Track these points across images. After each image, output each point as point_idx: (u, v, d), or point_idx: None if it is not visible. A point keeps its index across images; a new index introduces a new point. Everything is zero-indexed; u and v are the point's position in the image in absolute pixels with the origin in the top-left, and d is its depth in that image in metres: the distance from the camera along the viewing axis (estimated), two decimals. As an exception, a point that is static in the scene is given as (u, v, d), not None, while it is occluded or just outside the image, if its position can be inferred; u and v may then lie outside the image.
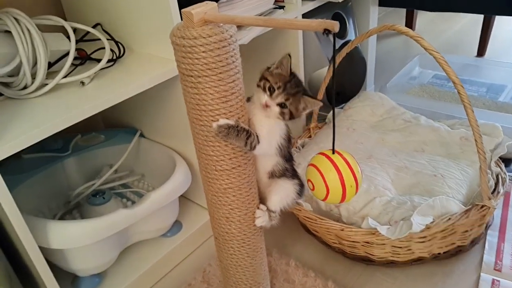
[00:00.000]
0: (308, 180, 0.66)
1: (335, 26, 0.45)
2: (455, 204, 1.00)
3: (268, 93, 0.65)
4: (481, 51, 2.05)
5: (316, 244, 1.13)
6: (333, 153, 0.64)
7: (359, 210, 1.05)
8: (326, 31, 0.45)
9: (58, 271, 0.90)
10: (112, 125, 1.33)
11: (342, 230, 1.00)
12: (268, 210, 0.76)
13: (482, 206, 0.98)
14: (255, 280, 0.81)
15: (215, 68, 0.58)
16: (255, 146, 0.66)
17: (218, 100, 0.62)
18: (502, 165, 1.14)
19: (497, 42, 2.14)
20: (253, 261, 0.79)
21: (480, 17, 2.03)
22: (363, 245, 1.02)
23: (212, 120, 0.63)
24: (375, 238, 0.97)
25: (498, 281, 0.98)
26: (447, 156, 1.18)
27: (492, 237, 1.11)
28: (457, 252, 1.05)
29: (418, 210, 0.95)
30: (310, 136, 1.36)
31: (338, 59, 1.18)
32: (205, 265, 1.09)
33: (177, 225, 1.15)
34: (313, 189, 0.66)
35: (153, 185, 1.24)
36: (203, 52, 0.57)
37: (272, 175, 0.76)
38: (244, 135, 0.64)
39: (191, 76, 0.60)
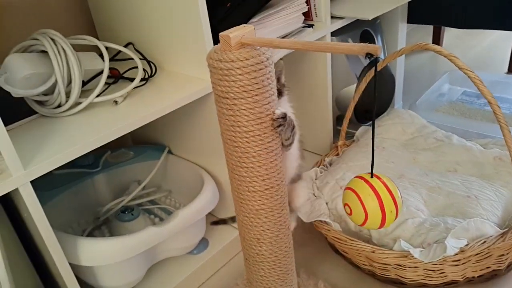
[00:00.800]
0: (346, 205, 0.65)
1: (378, 50, 0.44)
2: (490, 227, 0.96)
3: None
4: (511, 68, 2.00)
5: (345, 265, 1.11)
6: (372, 176, 0.62)
7: (391, 231, 1.03)
8: (368, 55, 0.44)
9: (86, 287, 0.90)
10: (140, 141, 1.35)
11: (373, 252, 0.97)
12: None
13: (519, 230, 0.95)
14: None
15: (251, 90, 0.58)
16: (293, 141, 0.67)
17: (253, 121, 0.62)
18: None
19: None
20: (283, 283, 0.78)
21: (510, 33, 1.99)
22: (394, 268, 1.00)
23: (246, 142, 0.63)
24: (408, 261, 0.94)
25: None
26: (480, 176, 1.15)
27: (529, 261, 1.06)
28: (492, 276, 1.01)
29: (452, 233, 0.92)
30: (337, 154, 1.34)
31: (368, 78, 1.17)
32: (232, 284, 1.08)
33: (203, 243, 1.14)
34: (350, 214, 0.64)
35: (180, 201, 1.24)
36: (240, 74, 0.57)
37: (293, 181, 0.77)
38: (292, 126, 0.66)
39: (227, 98, 0.60)
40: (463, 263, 0.95)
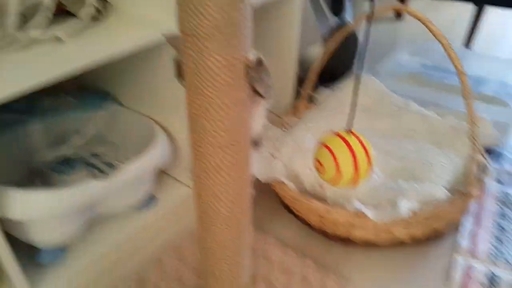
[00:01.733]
0: (317, 160, 0.62)
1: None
2: (440, 191, 1.00)
3: None
4: (468, 43, 2.04)
5: (297, 224, 1.11)
6: (348, 133, 0.59)
7: (345, 192, 1.03)
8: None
9: (17, 242, 0.82)
10: (83, 87, 1.22)
11: (327, 211, 0.97)
12: None
13: (465, 194, 0.99)
14: (236, 260, 0.77)
15: (224, 29, 0.52)
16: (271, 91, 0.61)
17: (223, 67, 0.55)
18: (487, 157, 1.14)
19: (485, 35, 2.14)
20: (238, 241, 0.74)
21: (470, 8, 2.01)
22: (345, 226, 1.00)
23: (213, 90, 0.57)
24: (360, 220, 0.95)
25: (473, 266, 1.00)
26: (435, 144, 1.17)
27: (468, 222, 1.12)
28: (436, 236, 1.05)
29: (404, 195, 0.94)
30: (297, 116, 1.31)
31: (337, 38, 1.13)
32: (179, 241, 1.04)
33: (151, 200, 1.08)
34: (322, 171, 0.61)
35: (127, 156, 1.14)
36: (213, 10, 0.50)
37: (255, 143, 0.73)
38: (269, 75, 0.59)
39: (195, 36, 0.52)
40: (411, 224, 0.98)
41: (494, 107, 1.32)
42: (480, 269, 0.99)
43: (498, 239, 1.07)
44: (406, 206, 0.92)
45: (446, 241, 1.06)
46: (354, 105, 0.57)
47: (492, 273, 0.98)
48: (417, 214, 0.94)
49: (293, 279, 0.93)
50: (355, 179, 0.59)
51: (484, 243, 1.06)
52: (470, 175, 0.99)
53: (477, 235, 1.08)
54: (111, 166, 1.12)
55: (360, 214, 0.95)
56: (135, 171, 0.92)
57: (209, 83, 0.56)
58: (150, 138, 1.01)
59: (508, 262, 1.01)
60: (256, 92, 0.60)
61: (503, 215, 1.15)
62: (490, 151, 1.35)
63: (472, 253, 1.03)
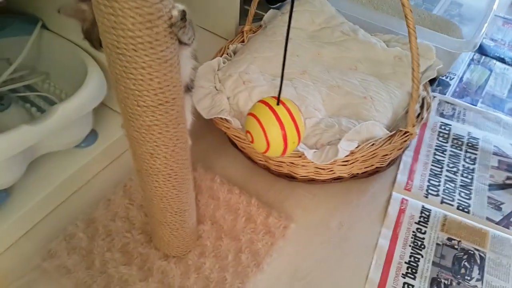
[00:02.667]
0: (248, 132, 0.60)
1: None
2: (380, 129, 1.01)
3: None
4: None
5: (242, 160, 1.12)
6: (278, 103, 0.57)
7: (288, 130, 1.03)
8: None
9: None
10: (8, 11, 1.10)
11: (270, 151, 0.98)
12: None
13: (405, 133, 1.01)
14: (180, 208, 0.78)
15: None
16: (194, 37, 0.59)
17: (140, 25, 0.50)
18: (429, 89, 1.15)
19: None
20: (179, 192, 0.75)
21: None
22: (288, 165, 1.03)
23: (133, 49, 0.52)
24: (301, 161, 0.97)
25: (407, 200, 1.06)
26: (378, 76, 1.16)
27: (407, 157, 1.17)
28: (374, 172, 1.10)
29: (345, 136, 0.95)
30: (243, 41, 1.25)
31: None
32: (125, 180, 1.03)
33: (92, 135, 1.04)
34: (252, 142, 0.60)
35: (61, 87, 1.08)
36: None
37: (188, 89, 0.70)
38: (191, 24, 0.57)
39: (108, -3, 0.46)
40: (351, 163, 1.01)
41: (441, 33, 1.30)
42: (413, 204, 1.06)
43: (434, 174, 1.13)
44: (345, 148, 0.94)
45: (385, 177, 1.11)
46: (282, 76, 0.54)
47: (423, 207, 1.05)
48: (355, 154, 0.96)
49: (239, 218, 0.96)
50: (284, 151, 0.59)
51: (420, 179, 1.12)
52: (411, 112, 1.01)
53: (415, 171, 1.14)
54: (47, 100, 1.05)
55: (301, 155, 0.96)
56: (70, 112, 0.88)
57: (129, 44, 0.51)
58: (82, 68, 0.94)
59: (439, 195, 1.08)
60: (180, 42, 0.57)
61: (442, 149, 1.20)
62: (434, 81, 1.37)
63: (408, 188, 1.09)
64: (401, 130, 1.01)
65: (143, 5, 0.48)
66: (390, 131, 1.02)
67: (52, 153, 0.98)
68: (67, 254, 0.89)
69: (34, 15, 1.05)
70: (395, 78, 1.16)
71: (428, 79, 1.16)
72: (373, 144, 0.98)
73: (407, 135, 1.02)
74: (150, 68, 0.54)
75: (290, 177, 1.07)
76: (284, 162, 1.01)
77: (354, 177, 1.08)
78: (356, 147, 0.96)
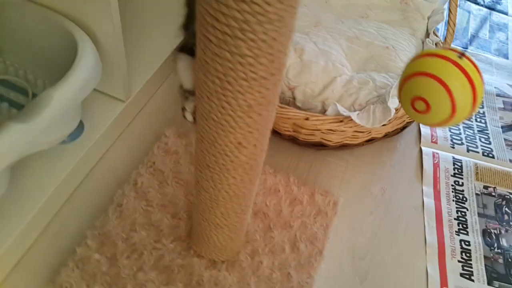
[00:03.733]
0: (416, 99, 0.46)
1: None
2: (412, 82, 0.93)
3: None
4: None
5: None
6: (461, 57, 0.43)
7: (318, 93, 0.90)
8: None
9: None
10: None
11: (307, 119, 0.84)
12: None
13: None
14: (248, 205, 0.63)
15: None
16: None
17: None
18: (438, 35, 1.09)
19: None
20: (253, 186, 0.59)
21: None
22: (323, 132, 0.90)
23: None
24: (344, 126, 0.85)
25: (437, 153, 1.01)
26: (391, 23, 1.07)
27: (423, 108, 1.11)
28: (403, 128, 1.02)
29: (391, 93, 0.85)
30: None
31: None
32: (133, 175, 0.83)
33: (78, 127, 0.81)
34: (426, 111, 0.46)
35: (22, 65, 0.82)
36: None
37: None
38: None
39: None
40: (390, 122, 0.92)
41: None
42: (444, 156, 1.01)
43: (451, 122, 1.09)
44: (393, 106, 0.84)
45: (409, 131, 1.04)
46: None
47: (453, 158, 1.01)
48: (397, 111, 0.87)
49: (282, 201, 0.83)
50: (469, 114, 0.46)
51: (442, 129, 1.07)
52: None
53: (434, 121, 1.09)
54: (10, 86, 0.79)
55: (343, 119, 0.85)
56: (68, 100, 0.65)
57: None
58: (70, 46, 0.71)
59: (463, 143, 1.04)
60: None
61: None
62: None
63: (435, 141, 1.04)
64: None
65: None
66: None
67: (32, 155, 0.74)
68: (87, 287, 0.69)
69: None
70: (407, 24, 1.07)
71: (438, 24, 1.09)
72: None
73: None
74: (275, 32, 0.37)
75: (320, 145, 0.95)
76: (319, 130, 0.89)
77: (386, 136, 0.99)
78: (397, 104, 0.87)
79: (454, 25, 0.89)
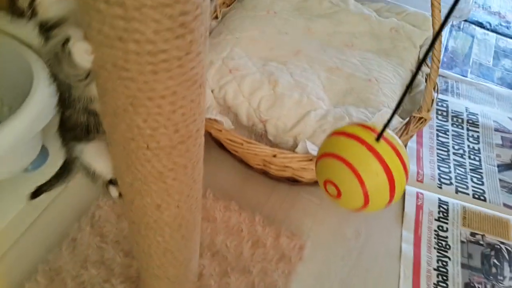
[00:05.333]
0: (328, 182, 0.42)
1: None
2: (394, 118, 0.87)
3: None
4: None
5: (232, 163, 0.93)
6: (378, 139, 0.39)
7: (291, 127, 0.85)
8: None
9: None
10: None
11: (275, 156, 0.80)
12: None
13: (420, 119, 0.88)
14: (187, 258, 0.59)
15: None
16: None
17: (168, 33, 0.29)
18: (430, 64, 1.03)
19: None
20: (187, 241, 0.55)
21: None
22: (294, 169, 0.86)
23: (151, 71, 0.31)
24: (313, 165, 0.81)
25: (422, 194, 0.95)
26: (378, 52, 1.01)
27: (411, 142, 1.05)
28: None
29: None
30: (216, 17, 1.02)
31: None
32: (91, 207, 0.80)
33: (41, 153, 0.79)
34: (338, 196, 0.42)
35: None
36: None
37: None
38: None
39: None
40: (367, 161, 0.87)
41: None
42: (429, 197, 0.95)
43: (442, 159, 1.03)
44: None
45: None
46: (395, 109, 0.36)
47: (439, 200, 0.95)
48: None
49: (244, 242, 0.78)
50: (389, 202, 0.41)
51: (430, 166, 1.01)
52: (427, 96, 0.88)
53: (422, 157, 1.03)
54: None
55: (313, 158, 0.80)
56: (19, 135, 0.63)
57: (145, 64, 0.30)
58: (28, 74, 0.68)
59: (452, 183, 0.98)
60: None
61: (444, 130, 1.10)
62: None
63: (420, 180, 0.98)
64: (415, 117, 0.88)
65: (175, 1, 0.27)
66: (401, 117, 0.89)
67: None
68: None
69: None
70: (395, 53, 1.02)
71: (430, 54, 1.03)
72: (391, 137, 0.84)
73: (422, 122, 0.89)
74: (174, 95, 0.33)
75: (293, 181, 0.91)
76: (290, 167, 0.84)
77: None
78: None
79: (439, 61, 0.83)
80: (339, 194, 0.43)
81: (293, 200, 0.90)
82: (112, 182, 0.50)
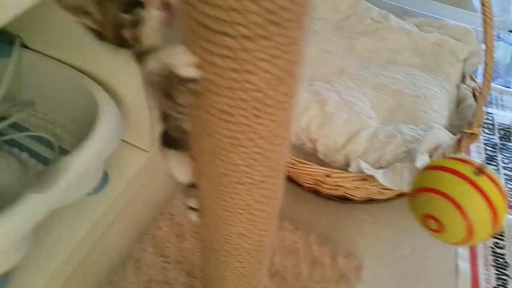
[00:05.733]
0: (428, 217, 0.43)
1: None
2: (445, 134, 0.88)
3: None
4: None
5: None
6: (479, 173, 0.40)
7: (341, 146, 0.87)
8: None
9: None
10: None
11: (328, 175, 0.81)
12: None
13: (471, 134, 0.88)
14: (259, 280, 0.61)
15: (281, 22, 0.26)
16: None
17: (276, 81, 0.31)
18: (476, 79, 1.03)
19: None
20: (262, 266, 0.57)
21: None
22: (347, 188, 0.87)
23: (255, 115, 0.33)
24: (368, 185, 0.82)
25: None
26: (421, 67, 1.02)
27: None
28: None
29: (419, 151, 0.80)
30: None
31: None
32: (152, 229, 0.83)
33: (104, 179, 0.83)
34: (440, 231, 0.43)
35: (51, 117, 0.85)
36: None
37: None
38: None
39: (229, 35, 0.27)
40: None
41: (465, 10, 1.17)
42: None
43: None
44: (422, 164, 0.79)
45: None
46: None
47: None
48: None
49: (301, 262, 0.80)
50: (491, 232, 0.42)
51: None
52: (478, 111, 0.87)
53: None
54: (38, 140, 0.82)
55: (367, 178, 0.81)
56: (86, 165, 0.66)
57: (251, 109, 0.32)
58: (92, 105, 0.72)
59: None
60: None
61: (492, 143, 1.09)
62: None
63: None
64: (466, 132, 0.88)
65: (285, 50, 0.29)
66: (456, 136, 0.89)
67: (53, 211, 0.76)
68: None
69: (7, 31, 0.80)
70: (440, 68, 1.02)
71: (475, 68, 1.03)
72: (443, 154, 0.84)
73: (472, 138, 0.88)
74: (274, 136, 0.35)
75: (344, 199, 0.92)
76: (342, 186, 0.86)
77: (416, 191, 0.94)
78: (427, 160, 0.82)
79: (491, 77, 0.83)
80: (441, 228, 0.44)
81: (344, 218, 0.91)
82: (192, 208, 0.52)
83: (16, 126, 0.84)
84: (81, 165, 0.65)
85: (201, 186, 0.44)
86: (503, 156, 1.06)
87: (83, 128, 0.71)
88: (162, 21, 0.34)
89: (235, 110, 0.32)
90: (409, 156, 0.83)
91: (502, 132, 1.12)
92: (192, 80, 0.31)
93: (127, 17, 0.34)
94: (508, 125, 1.13)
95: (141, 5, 0.34)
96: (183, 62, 0.30)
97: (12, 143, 0.81)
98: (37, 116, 0.87)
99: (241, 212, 0.43)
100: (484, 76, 0.83)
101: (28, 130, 0.84)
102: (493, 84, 1.24)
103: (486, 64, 0.82)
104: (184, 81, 0.31)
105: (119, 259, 0.80)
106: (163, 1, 0.33)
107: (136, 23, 0.34)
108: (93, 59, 0.76)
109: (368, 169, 0.81)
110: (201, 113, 0.34)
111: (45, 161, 0.81)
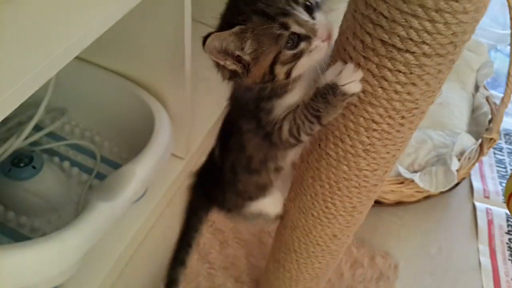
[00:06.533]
0: None
1: None
2: (468, 139, 0.93)
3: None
4: None
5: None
6: None
7: (375, 152, 0.90)
8: None
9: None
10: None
11: (366, 180, 0.85)
12: None
13: (491, 139, 0.94)
14: (325, 279, 0.63)
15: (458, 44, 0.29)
16: None
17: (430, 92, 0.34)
18: (488, 89, 1.10)
19: None
20: (333, 265, 0.59)
21: None
22: (382, 191, 0.90)
23: (381, 145, 0.36)
24: (405, 188, 0.86)
25: (491, 209, 1.00)
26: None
27: (473, 161, 1.11)
28: (457, 184, 1.02)
29: (453, 156, 0.85)
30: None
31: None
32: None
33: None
34: None
35: (91, 128, 0.84)
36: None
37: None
38: None
39: (411, 53, 0.29)
40: (449, 182, 0.92)
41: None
42: (497, 212, 1.00)
43: (502, 175, 1.09)
44: (455, 167, 0.84)
45: (461, 185, 1.04)
46: None
47: (507, 214, 1.00)
48: (458, 170, 0.87)
49: (342, 263, 0.82)
50: None
51: (492, 183, 1.06)
52: (499, 118, 0.93)
53: (485, 175, 1.08)
54: (79, 149, 0.81)
55: (403, 181, 0.85)
56: (148, 173, 0.67)
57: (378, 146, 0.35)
58: (145, 115, 0.73)
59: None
60: None
61: (499, 148, 1.16)
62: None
63: (487, 196, 1.03)
64: (486, 138, 0.94)
65: (449, 66, 0.32)
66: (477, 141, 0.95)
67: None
68: None
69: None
70: (456, 77, 1.08)
71: (488, 78, 1.10)
72: (469, 158, 0.89)
73: (491, 143, 0.95)
74: (403, 142, 0.38)
75: (375, 202, 0.95)
76: (383, 190, 0.89)
77: (441, 192, 0.99)
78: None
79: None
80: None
81: (375, 221, 0.94)
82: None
83: (51, 135, 0.82)
84: (144, 173, 0.65)
85: (307, 190, 0.46)
86: (510, 159, 1.13)
87: (125, 137, 0.71)
88: (324, 50, 0.35)
89: (384, 119, 0.34)
90: (441, 161, 0.88)
91: (507, 137, 1.19)
92: (353, 94, 0.33)
93: (289, 52, 0.34)
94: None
95: (304, 39, 0.34)
96: (353, 79, 0.32)
97: (51, 152, 0.80)
98: (71, 123, 0.86)
99: (343, 214, 0.46)
100: (507, 85, 0.89)
101: (64, 139, 0.82)
102: (495, 92, 1.32)
103: (509, 73, 0.87)
104: (346, 95, 0.33)
105: (160, 267, 0.80)
106: (329, 33, 0.34)
107: (297, 58, 0.34)
108: (145, 69, 0.76)
109: (405, 173, 0.85)
110: (346, 123, 0.36)
111: (87, 170, 0.80)
